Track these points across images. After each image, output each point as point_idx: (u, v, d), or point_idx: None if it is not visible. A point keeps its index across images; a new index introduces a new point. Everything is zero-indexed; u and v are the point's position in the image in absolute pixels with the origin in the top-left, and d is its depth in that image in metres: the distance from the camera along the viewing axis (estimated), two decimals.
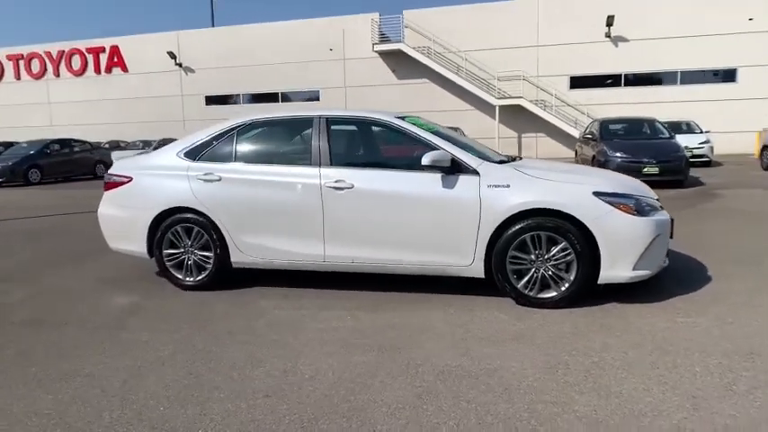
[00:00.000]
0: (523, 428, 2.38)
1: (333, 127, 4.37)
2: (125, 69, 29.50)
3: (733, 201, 9.03)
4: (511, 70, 23.11)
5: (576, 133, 22.01)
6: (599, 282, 3.84)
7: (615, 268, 3.79)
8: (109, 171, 4.87)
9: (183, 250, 4.57)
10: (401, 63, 24.63)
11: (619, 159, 10.94)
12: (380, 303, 4.12)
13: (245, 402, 2.67)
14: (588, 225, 3.75)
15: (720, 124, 20.28)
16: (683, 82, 21.81)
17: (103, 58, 29.81)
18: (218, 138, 4.58)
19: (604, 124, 12.71)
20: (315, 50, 25.83)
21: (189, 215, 4.48)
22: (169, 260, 4.60)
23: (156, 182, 4.58)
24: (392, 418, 2.50)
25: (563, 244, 3.81)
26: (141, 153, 6.54)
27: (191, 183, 4.46)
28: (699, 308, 3.83)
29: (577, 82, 23.04)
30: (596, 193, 3.81)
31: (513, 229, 3.86)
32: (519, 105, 22.76)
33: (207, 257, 4.52)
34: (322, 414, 2.55)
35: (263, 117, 4.61)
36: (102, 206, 4.87)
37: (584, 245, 3.78)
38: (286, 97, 27.24)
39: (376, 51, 24.82)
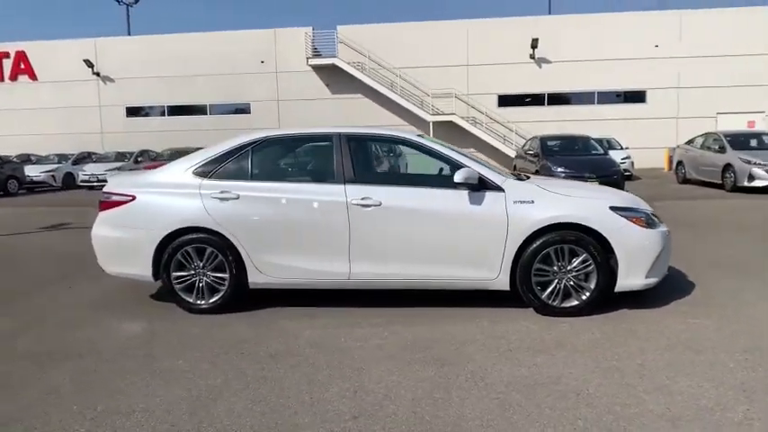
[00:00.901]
0: (618, 429, 2.54)
1: (353, 144, 4.38)
2: (34, 77, 27.30)
3: (674, 211, 9.88)
4: (443, 88, 23.93)
5: (505, 149, 23.17)
6: (615, 290, 4.13)
7: (630, 277, 4.09)
8: (105, 189, 4.56)
9: (193, 272, 4.36)
10: (335, 78, 24.75)
11: (562, 174, 11.65)
12: (408, 318, 4.17)
13: (336, 426, 2.63)
14: (608, 237, 4.03)
15: (631, 141, 22.13)
16: (600, 102, 23.65)
17: (8, 64, 27.43)
18: (230, 155, 4.44)
19: (544, 141, 13.49)
20: (246, 62, 25.32)
21: (201, 235, 4.29)
22: (178, 283, 4.37)
23: (163, 200, 4.35)
24: (491, 431, 2.56)
25: (584, 255, 4.06)
26: (134, 170, 6.14)
27: (204, 201, 4.28)
28: (701, 310, 4.22)
29: (505, 100, 24.28)
30: (612, 208, 4.11)
31: (538, 243, 4.06)
32: (451, 122, 23.58)
33: (221, 279, 4.35)
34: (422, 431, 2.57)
35: (277, 134, 4.53)
36: (97, 227, 4.54)
37: (603, 256, 4.05)
38: (215, 109, 26.44)
39: (310, 65, 24.78)
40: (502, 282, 4.17)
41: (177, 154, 20.59)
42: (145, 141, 24.22)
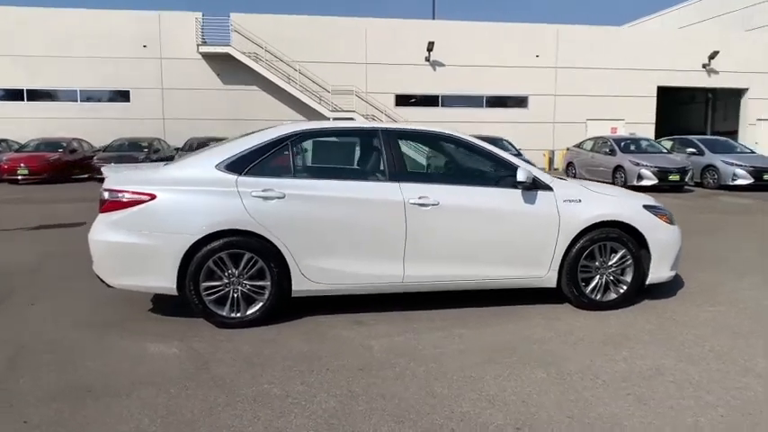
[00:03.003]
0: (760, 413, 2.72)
1: (400, 141, 4.16)
2: None
3: None
4: (343, 84, 23.76)
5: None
6: (647, 283, 4.42)
7: (659, 271, 4.41)
8: (111, 186, 3.81)
9: (227, 281, 3.84)
10: (228, 68, 23.37)
11: None
12: (461, 320, 4.08)
13: None
14: (644, 234, 4.31)
15: (515, 143, 23.92)
16: (488, 105, 25.16)
17: None
18: (267, 149, 3.97)
19: None
20: (126, 46, 22.88)
21: (238, 238, 3.79)
22: (209, 294, 3.82)
23: (193, 200, 3.77)
24: (648, 426, 2.60)
25: (623, 251, 4.29)
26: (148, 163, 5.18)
27: (244, 200, 3.78)
28: (710, 297, 4.68)
29: (402, 100, 24.77)
30: (645, 206, 4.39)
31: (585, 240, 4.21)
32: (352, 119, 23.50)
33: (259, 288, 3.88)
34: None
35: (317, 127, 4.15)
36: (101, 232, 3.79)
37: (639, 251, 4.32)
38: (87, 95, 23.55)
39: (200, 53, 23.12)
40: (550, 279, 4.26)
41: (47, 146, 18.10)
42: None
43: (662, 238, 4.37)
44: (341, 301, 4.34)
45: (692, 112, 29.92)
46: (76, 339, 3.66)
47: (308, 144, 4.13)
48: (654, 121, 25.66)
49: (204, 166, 3.89)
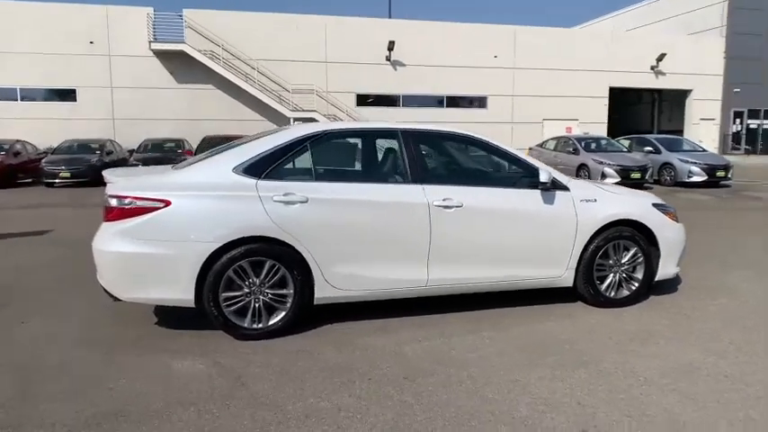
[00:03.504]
0: None
1: (421, 142, 4.09)
2: None
3: None
4: (303, 83, 23.42)
5: None
6: (656, 279, 4.53)
7: (666, 267, 4.53)
8: (118, 192, 3.54)
9: (248, 291, 3.66)
10: (183, 66, 22.58)
11: None
12: (485, 322, 4.05)
13: None
14: (655, 232, 4.41)
15: None
16: (448, 105, 25.41)
17: None
18: (286, 151, 3.81)
19: None
20: (71, 42, 21.72)
21: (259, 246, 3.62)
22: (229, 305, 3.63)
23: (211, 205, 3.56)
24: (703, 422, 2.64)
25: (635, 249, 4.38)
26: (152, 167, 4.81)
27: (265, 205, 3.61)
28: (709, 292, 4.86)
29: (363, 99, 24.67)
30: (654, 205, 4.50)
31: (600, 239, 4.27)
32: (313, 119, 23.20)
33: (281, 297, 3.72)
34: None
35: (338, 128, 4.02)
36: (108, 241, 3.53)
37: (649, 249, 4.42)
38: (31, 95, 22.20)
39: (153, 50, 22.23)
40: (567, 278, 4.30)
41: None
42: None
43: (669, 236, 4.49)
44: (358, 307, 4.23)
45: (639, 112, 31.29)
46: (85, 360, 3.39)
47: (327, 145, 3.99)
48: (606, 120, 26.67)
49: (221, 169, 3.69)
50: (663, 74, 26.76)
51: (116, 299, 3.67)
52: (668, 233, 4.48)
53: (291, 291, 3.71)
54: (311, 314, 4.00)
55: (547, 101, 25.68)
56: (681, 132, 27.12)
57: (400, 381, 3.11)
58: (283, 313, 3.73)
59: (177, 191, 3.56)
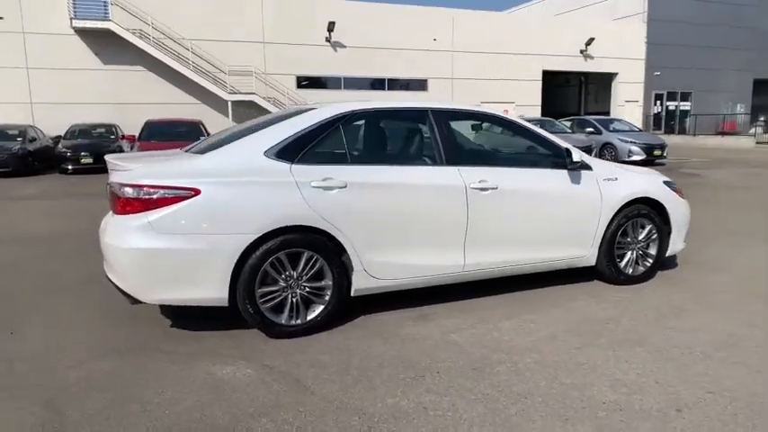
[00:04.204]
0: None
1: (451, 121, 3.92)
2: None
3: None
4: (240, 65, 22.39)
5: None
6: (667, 255, 4.66)
7: (676, 243, 4.68)
8: (138, 181, 3.12)
9: (284, 285, 3.37)
10: (109, 46, 20.89)
11: None
12: (521, 305, 4.00)
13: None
14: (668, 209, 4.52)
15: None
16: (390, 88, 25.27)
17: None
18: (319, 132, 3.52)
19: None
20: None
21: (296, 236, 3.33)
22: (265, 302, 3.33)
23: (245, 193, 3.23)
24: None
25: (650, 226, 4.48)
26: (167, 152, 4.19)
27: (303, 192, 3.32)
28: (709, 266, 5.08)
29: (304, 82, 24.00)
30: (665, 183, 4.60)
31: (621, 217, 4.32)
32: (252, 102, 22.32)
33: (319, 290, 3.47)
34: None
35: (366, 107, 3.76)
36: (126, 237, 3.12)
37: (662, 226, 4.53)
38: None
39: (74, 28, 20.39)
40: (590, 258, 4.32)
41: None
42: None
43: (679, 213, 4.62)
44: (384, 296, 4.03)
45: (567, 94, 32.60)
46: (114, 372, 2.99)
47: (359, 125, 3.74)
48: (540, 103, 27.56)
49: (251, 153, 3.35)
50: (591, 58, 27.98)
51: (136, 301, 3.26)
52: (678, 210, 4.61)
53: (330, 282, 3.47)
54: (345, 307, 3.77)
55: (485, 84, 26.14)
56: (608, 114, 28.56)
57: (469, 372, 2.97)
58: (321, 307, 3.48)
59: (206, 177, 3.20)
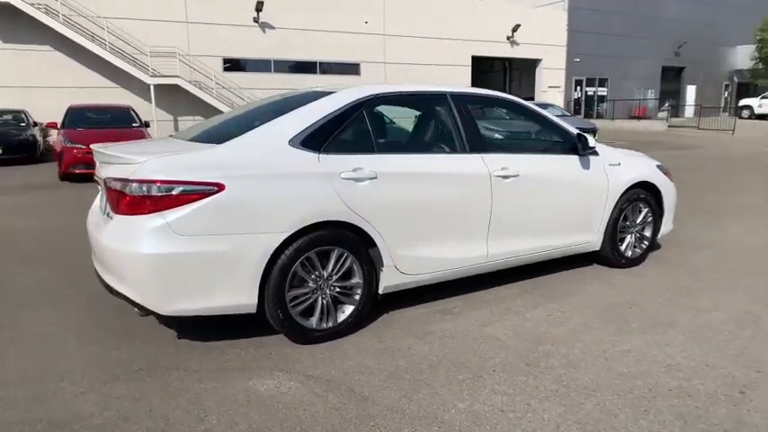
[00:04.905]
0: None
1: (469, 105, 3.76)
2: None
3: None
4: (162, 46, 20.91)
5: None
6: (658, 236, 4.80)
7: (666, 225, 4.83)
8: (145, 176, 2.70)
9: (314, 286, 3.10)
10: (9, 22, 18.72)
11: None
12: (538, 293, 3.97)
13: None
14: (662, 192, 4.64)
15: None
16: (322, 72, 24.66)
17: None
18: (343, 118, 3.23)
19: None
20: None
21: (326, 232, 3.06)
22: (295, 305, 3.04)
23: (273, 187, 2.90)
24: None
25: (646, 210, 4.59)
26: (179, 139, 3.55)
27: (333, 184, 3.04)
28: (689, 244, 5.31)
29: (231, 64, 22.85)
30: (657, 166, 4.73)
31: (623, 201, 4.39)
32: (176, 85, 20.97)
33: (349, 289, 3.22)
34: None
35: (387, 90, 3.50)
36: (140, 241, 2.70)
37: (657, 209, 4.66)
38: None
39: None
40: (596, 243, 4.37)
41: None
42: None
43: (670, 194, 4.77)
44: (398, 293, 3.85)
45: (492, 79, 33.41)
46: (136, 396, 2.60)
47: (381, 111, 3.48)
48: None
49: (275, 142, 3.02)
50: (517, 44, 28.80)
51: (148, 313, 2.86)
52: (669, 193, 4.76)
53: (360, 281, 3.23)
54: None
55: (417, 69, 26.16)
56: (532, 99, 29.62)
57: (524, 367, 2.88)
58: (352, 308, 3.24)
59: (228, 170, 2.84)
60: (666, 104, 33.33)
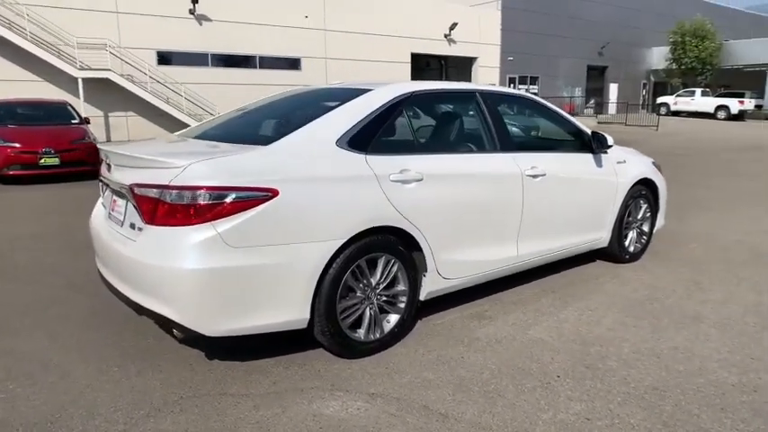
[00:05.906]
0: None
1: (498, 104, 3.69)
2: None
3: None
4: (91, 37, 19.45)
5: (174, 112, 21.01)
6: (654, 231, 4.96)
7: (661, 220, 5.00)
8: (188, 182, 2.40)
9: (362, 296, 2.91)
10: None
11: None
12: (558, 292, 3.98)
13: None
14: (659, 188, 4.80)
15: None
16: (262, 67, 23.91)
17: None
18: (384, 116, 3.05)
19: None
20: None
21: (375, 238, 2.88)
22: (345, 318, 2.84)
23: (328, 191, 2.69)
24: None
25: (645, 205, 4.73)
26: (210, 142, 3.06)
27: (383, 187, 2.87)
28: (678, 238, 5.53)
29: (166, 58, 21.66)
30: (652, 163, 4.88)
31: (628, 198, 4.49)
32: (106, 79, 19.61)
33: (394, 297, 3.06)
34: None
35: (422, 88, 3.35)
36: (197, 254, 2.40)
37: (654, 204, 4.81)
38: None
39: None
40: (605, 239, 4.44)
41: None
42: None
43: (663, 189, 4.94)
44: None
45: (429, 77, 33.78)
46: (188, 430, 2.32)
47: (417, 110, 3.32)
48: None
49: (323, 142, 2.79)
50: (454, 42, 29.27)
51: (188, 335, 2.56)
52: (663, 188, 4.92)
53: (405, 288, 3.07)
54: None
55: (358, 64, 26.00)
56: None
57: (585, 371, 2.84)
58: (397, 317, 3.08)
59: (282, 174, 2.59)
60: (592, 101, 35.14)
